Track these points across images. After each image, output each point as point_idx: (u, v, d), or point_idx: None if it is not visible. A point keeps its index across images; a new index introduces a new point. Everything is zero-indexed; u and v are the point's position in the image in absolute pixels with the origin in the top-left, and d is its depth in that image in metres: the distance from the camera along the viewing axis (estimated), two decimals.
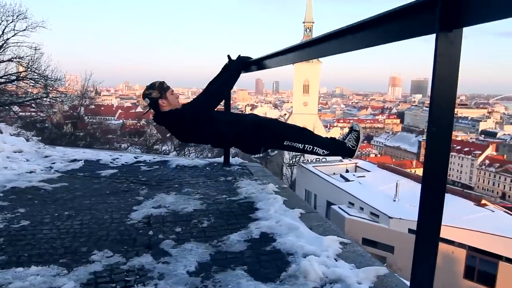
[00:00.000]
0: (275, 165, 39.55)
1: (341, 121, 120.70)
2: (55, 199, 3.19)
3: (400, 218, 28.44)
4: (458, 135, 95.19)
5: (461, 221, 26.13)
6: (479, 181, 78.64)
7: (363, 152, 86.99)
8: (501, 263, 20.52)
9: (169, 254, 2.12)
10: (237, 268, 1.95)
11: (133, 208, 2.97)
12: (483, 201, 29.78)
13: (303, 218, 2.66)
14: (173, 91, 3.02)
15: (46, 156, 4.62)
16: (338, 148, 3.04)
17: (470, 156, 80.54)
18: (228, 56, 3.57)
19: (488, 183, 77.04)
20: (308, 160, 43.60)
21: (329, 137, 3.26)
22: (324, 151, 2.93)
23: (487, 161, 77.84)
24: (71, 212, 2.85)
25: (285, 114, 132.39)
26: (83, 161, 4.44)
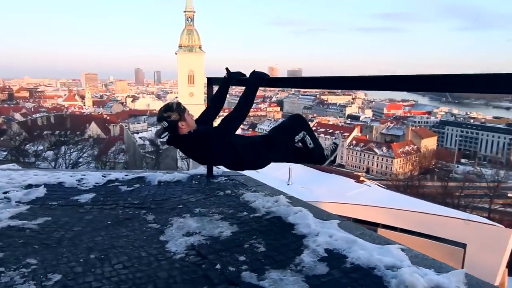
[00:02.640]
0: (171, 159, 38.57)
1: (227, 110, 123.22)
2: (56, 240, 2.72)
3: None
4: (330, 119, 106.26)
5: (346, 197, 29.59)
6: (348, 159, 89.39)
7: None
8: (379, 229, 23.90)
9: None
10: None
11: (160, 239, 2.75)
12: (361, 178, 34.40)
13: (342, 227, 2.84)
14: (188, 111, 2.89)
15: None
16: (319, 149, 3.32)
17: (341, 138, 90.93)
18: (227, 69, 3.51)
19: (356, 161, 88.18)
20: None
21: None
22: (312, 142, 3.19)
23: (354, 142, 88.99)
24: (97, 254, 2.50)
25: None
26: (42, 186, 3.80)
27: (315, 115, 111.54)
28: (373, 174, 79.73)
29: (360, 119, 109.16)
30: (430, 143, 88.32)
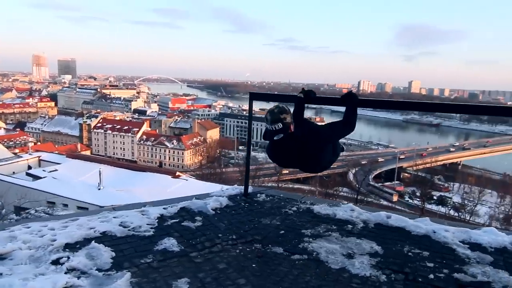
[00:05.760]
0: None
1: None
2: None
3: (112, 205, 28.65)
4: (116, 115, 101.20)
5: (167, 193, 29.69)
6: (140, 154, 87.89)
7: (17, 142, 76.96)
8: None
9: None
10: None
11: (345, 268, 2.71)
12: (178, 173, 34.90)
13: (435, 221, 3.51)
14: None
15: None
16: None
17: (130, 134, 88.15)
18: (303, 89, 3.56)
19: (148, 155, 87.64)
20: None
21: None
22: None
23: (144, 137, 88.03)
24: None
25: None
26: (92, 241, 2.78)
27: (98, 110, 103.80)
28: (167, 167, 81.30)
29: (147, 113, 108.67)
30: (214, 134, 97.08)
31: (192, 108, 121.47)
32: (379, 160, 72.22)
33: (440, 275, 2.61)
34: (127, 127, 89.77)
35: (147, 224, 3.18)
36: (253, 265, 2.71)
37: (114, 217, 3.23)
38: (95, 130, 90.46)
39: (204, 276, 2.51)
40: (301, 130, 2.76)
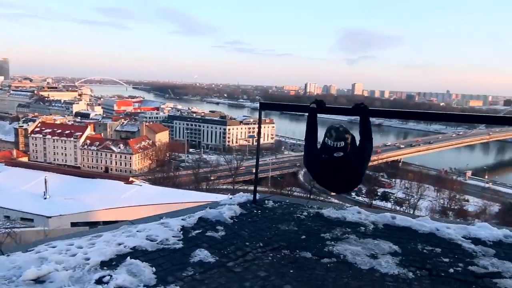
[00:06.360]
0: None
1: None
2: None
3: (60, 215, 27.18)
4: (56, 118, 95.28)
5: (121, 200, 28.64)
6: (84, 160, 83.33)
7: None
8: None
9: None
10: None
11: (374, 268, 2.90)
12: (131, 179, 33.64)
13: (435, 220, 3.85)
14: None
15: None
16: None
17: (72, 138, 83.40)
18: (316, 100, 3.72)
19: (92, 161, 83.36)
20: None
21: None
22: None
23: (88, 141, 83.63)
24: None
25: None
26: (128, 258, 2.72)
27: (36, 114, 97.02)
28: (114, 173, 77.83)
29: (91, 116, 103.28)
30: (163, 137, 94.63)
31: (139, 110, 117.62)
32: None
33: (458, 269, 2.90)
34: (68, 131, 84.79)
35: (173, 237, 3.16)
36: (291, 271, 2.81)
37: (138, 231, 3.16)
38: (32, 135, 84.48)
39: (251, 285, 2.57)
40: (353, 153, 2.93)
